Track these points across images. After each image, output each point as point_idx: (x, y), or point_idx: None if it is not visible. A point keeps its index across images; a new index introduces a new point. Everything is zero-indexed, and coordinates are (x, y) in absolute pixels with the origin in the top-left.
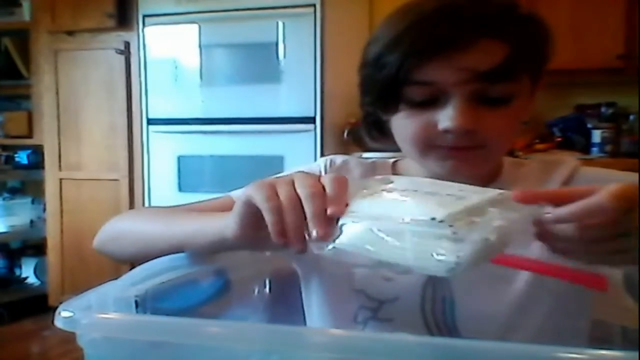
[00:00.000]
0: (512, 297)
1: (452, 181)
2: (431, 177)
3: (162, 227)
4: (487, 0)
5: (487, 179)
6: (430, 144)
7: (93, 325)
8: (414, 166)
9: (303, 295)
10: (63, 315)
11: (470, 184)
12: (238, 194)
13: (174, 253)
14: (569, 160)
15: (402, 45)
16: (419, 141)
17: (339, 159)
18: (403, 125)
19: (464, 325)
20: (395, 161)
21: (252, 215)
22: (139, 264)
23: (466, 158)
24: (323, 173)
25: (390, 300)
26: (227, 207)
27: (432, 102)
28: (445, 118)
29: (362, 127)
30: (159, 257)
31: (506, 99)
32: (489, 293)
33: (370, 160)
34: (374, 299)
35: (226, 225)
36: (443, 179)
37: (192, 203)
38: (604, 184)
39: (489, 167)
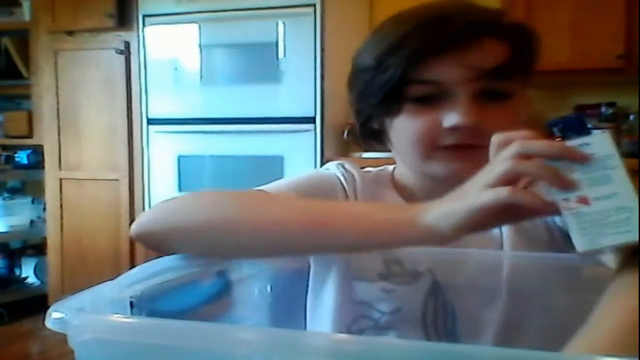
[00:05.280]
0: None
1: (452, 184)
2: (426, 184)
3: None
4: (479, 8)
5: None
6: (434, 145)
7: (84, 326)
8: (409, 174)
9: (310, 291)
10: (54, 316)
11: None
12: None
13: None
14: None
15: (406, 46)
16: (423, 142)
17: (347, 165)
18: (406, 126)
19: (465, 333)
20: (394, 169)
21: None
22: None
23: (472, 159)
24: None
25: (392, 312)
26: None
27: (436, 100)
28: (452, 115)
29: (357, 135)
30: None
31: (507, 95)
32: (489, 301)
33: (372, 173)
34: (376, 309)
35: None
36: (444, 182)
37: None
38: None
39: None
